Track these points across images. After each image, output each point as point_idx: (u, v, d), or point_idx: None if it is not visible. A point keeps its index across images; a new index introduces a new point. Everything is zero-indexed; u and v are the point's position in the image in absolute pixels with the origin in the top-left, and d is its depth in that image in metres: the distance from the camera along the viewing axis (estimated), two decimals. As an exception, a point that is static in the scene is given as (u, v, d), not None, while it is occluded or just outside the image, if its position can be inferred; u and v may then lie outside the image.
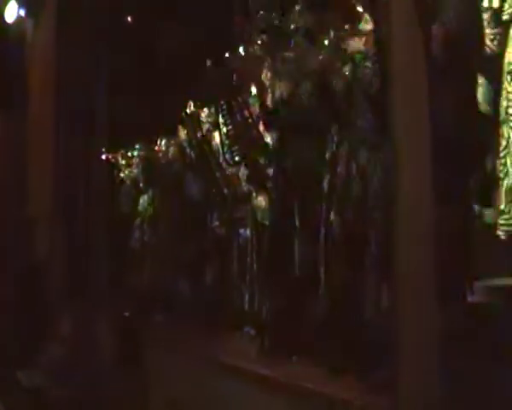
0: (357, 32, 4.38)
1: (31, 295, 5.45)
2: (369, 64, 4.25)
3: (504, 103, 3.94)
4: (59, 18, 5.95)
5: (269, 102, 5.65)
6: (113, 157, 8.77)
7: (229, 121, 6.15)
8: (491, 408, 3.30)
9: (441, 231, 3.51)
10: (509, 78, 3.92)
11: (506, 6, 4.03)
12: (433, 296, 3.44)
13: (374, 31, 4.02)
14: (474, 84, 4.07)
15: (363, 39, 4.33)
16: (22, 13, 5.93)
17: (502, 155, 3.97)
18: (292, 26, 5.27)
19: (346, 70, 4.54)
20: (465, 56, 3.78)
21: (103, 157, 8.50)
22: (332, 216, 4.62)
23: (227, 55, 6.32)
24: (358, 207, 4.36)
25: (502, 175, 3.95)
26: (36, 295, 5.46)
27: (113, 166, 8.92)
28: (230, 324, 6.61)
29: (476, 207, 4.35)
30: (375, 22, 3.91)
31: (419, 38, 3.49)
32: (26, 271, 5.63)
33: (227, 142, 6.31)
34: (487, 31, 4.06)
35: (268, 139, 5.92)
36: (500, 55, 4.04)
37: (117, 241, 8.46)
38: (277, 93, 5.59)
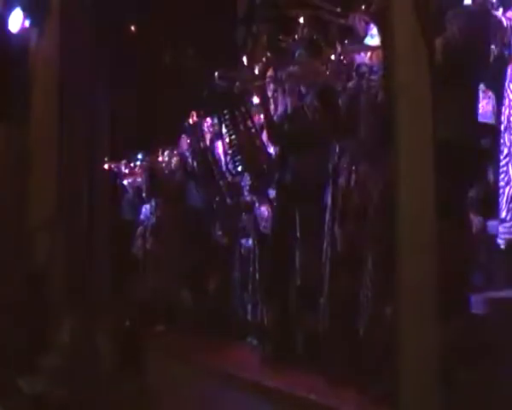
0: (362, 46, 4.40)
1: (33, 302, 5.47)
2: (373, 77, 4.27)
3: (507, 111, 3.97)
4: (62, 28, 5.99)
5: (273, 114, 5.69)
6: (115, 166, 8.77)
7: (232, 131, 6.16)
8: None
9: (444, 243, 3.51)
10: (511, 86, 3.95)
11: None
12: (434, 309, 3.45)
13: (381, 45, 4.03)
14: (477, 97, 4.10)
15: (369, 53, 4.35)
16: (26, 23, 5.96)
17: (503, 162, 3.98)
18: (296, 40, 5.30)
19: (351, 83, 4.57)
20: (469, 70, 3.80)
21: (106, 166, 8.55)
22: (334, 228, 4.64)
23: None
24: (360, 219, 4.37)
25: (503, 183, 3.96)
26: (38, 302, 5.48)
27: (116, 176, 8.93)
28: (233, 333, 6.61)
29: (480, 219, 4.36)
30: (382, 36, 3.93)
31: (423, 51, 3.51)
32: (29, 278, 5.64)
33: (230, 151, 6.32)
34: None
35: (271, 149, 5.95)
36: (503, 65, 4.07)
37: (119, 249, 8.48)
38: (281, 106, 5.63)
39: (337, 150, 4.68)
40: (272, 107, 5.79)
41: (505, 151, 3.99)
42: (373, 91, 4.24)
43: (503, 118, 4.05)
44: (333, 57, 4.70)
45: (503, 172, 4.00)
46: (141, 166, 8.64)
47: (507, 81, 4.03)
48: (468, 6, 4.21)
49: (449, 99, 3.58)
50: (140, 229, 8.63)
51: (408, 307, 3.47)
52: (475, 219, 4.26)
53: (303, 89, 5.42)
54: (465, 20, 3.77)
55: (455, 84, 3.66)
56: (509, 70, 4.06)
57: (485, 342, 3.52)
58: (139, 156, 8.76)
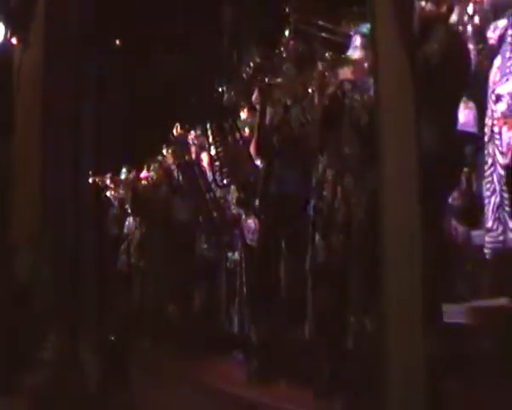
0: (345, 61, 4.42)
1: (16, 318, 5.42)
2: (357, 93, 4.29)
3: (490, 122, 3.98)
4: (47, 43, 5.96)
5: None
6: (100, 180, 8.73)
7: (218, 143, 6.15)
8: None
9: (428, 255, 3.50)
10: (493, 97, 3.96)
11: (492, 27, 4.08)
12: (419, 321, 3.44)
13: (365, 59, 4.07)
14: (459, 107, 4.11)
15: (351, 68, 4.37)
16: (9, 36, 5.93)
17: (488, 172, 3.98)
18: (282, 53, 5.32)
19: (335, 98, 4.58)
20: (450, 84, 3.81)
21: (90, 180, 8.50)
22: (319, 241, 4.64)
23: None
24: (344, 231, 4.38)
25: (489, 193, 3.96)
26: (22, 319, 5.42)
27: (101, 190, 8.89)
28: (219, 348, 6.58)
29: (464, 229, 4.36)
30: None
31: (405, 66, 3.52)
32: (13, 293, 5.59)
33: (217, 163, 6.31)
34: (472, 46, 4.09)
35: (258, 162, 5.94)
36: (484, 76, 4.08)
37: (105, 264, 8.43)
38: (268, 119, 5.63)
39: (321, 163, 4.69)
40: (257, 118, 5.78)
41: (490, 161, 3.99)
42: (356, 105, 4.26)
43: (485, 129, 4.05)
44: (318, 72, 4.72)
45: (488, 183, 4.00)
46: (125, 181, 8.60)
47: (489, 91, 4.04)
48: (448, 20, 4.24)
49: (430, 110, 3.59)
50: (124, 244, 8.60)
51: (393, 319, 3.47)
52: (459, 229, 4.27)
53: (289, 102, 5.43)
54: (446, 32, 3.79)
55: (436, 95, 3.67)
56: (490, 80, 4.06)
57: (470, 352, 3.52)
58: (124, 170, 8.73)
